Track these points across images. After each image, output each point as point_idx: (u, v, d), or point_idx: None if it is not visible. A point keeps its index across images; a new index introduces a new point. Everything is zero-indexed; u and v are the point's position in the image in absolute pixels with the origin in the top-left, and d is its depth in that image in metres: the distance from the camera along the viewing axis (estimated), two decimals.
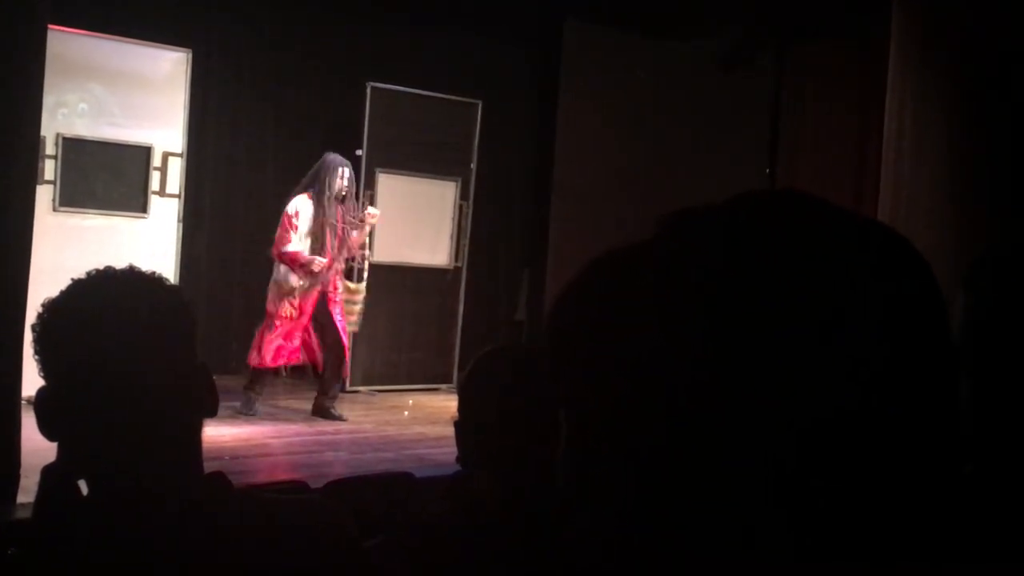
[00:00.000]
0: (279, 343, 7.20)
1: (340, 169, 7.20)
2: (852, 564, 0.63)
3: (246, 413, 7.16)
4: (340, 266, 7.41)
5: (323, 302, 7.28)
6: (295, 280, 7.13)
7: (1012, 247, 1.14)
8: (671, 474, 0.64)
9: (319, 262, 7.10)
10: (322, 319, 7.31)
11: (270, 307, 7.22)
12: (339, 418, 7.36)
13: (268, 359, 7.19)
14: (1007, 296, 1.09)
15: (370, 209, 7.71)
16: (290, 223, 7.08)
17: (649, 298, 0.66)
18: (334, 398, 7.47)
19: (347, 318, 7.65)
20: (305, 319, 7.25)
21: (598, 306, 0.68)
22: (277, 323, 7.18)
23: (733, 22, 8.73)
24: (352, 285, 7.82)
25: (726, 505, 0.63)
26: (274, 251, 7.15)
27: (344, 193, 7.24)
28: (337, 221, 7.23)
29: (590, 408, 0.68)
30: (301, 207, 7.12)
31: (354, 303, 7.81)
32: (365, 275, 8.13)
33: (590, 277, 0.70)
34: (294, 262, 7.08)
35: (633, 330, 0.66)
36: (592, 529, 0.69)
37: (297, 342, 7.28)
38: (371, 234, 7.88)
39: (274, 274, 7.24)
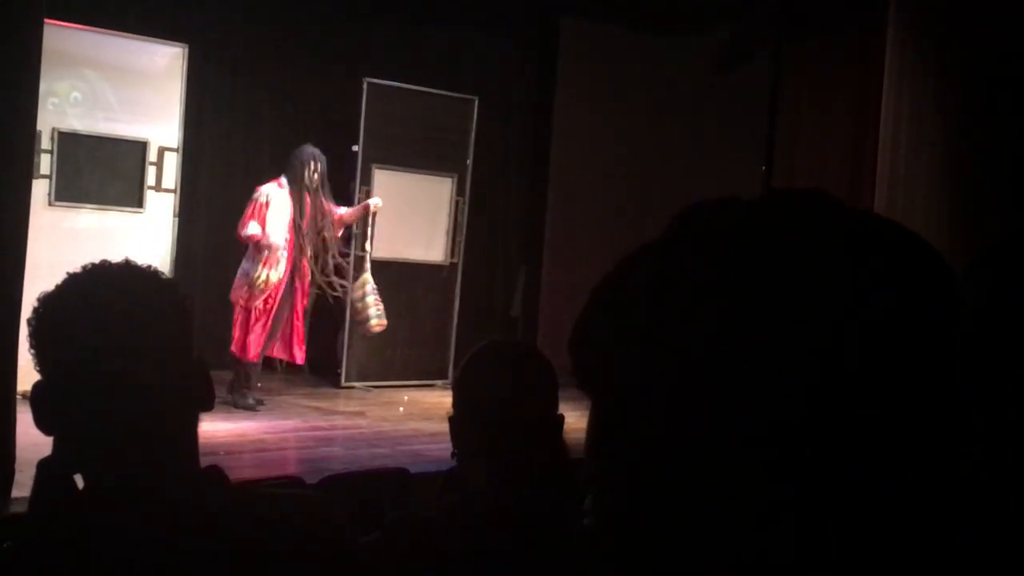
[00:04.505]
0: (261, 334, 7.22)
1: (314, 162, 7.33)
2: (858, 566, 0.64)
3: (243, 406, 7.13)
4: (318, 256, 7.50)
5: (290, 289, 7.32)
6: (264, 270, 7.15)
7: (1009, 242, 1.15)
8: (683, 469, 0.65)
9: (276, 246, 7.13)
10: (286, 305, 7.34)
11: (234, 296, 7.23)
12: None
13: (252, 352, 7.20)
14: (1005, 290, 1.09)
15: (373, 200, 7.85)
16: (255, 209, 7.13)
17: (668, 295, 0.66)
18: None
19: (363, 315, 7.71)
20: (284, 311, 7.27)
21: (624, 299, 0.69)
22: (253, 314, 7.19)
23: (730, 20, 8.73)
24: (348, 283, 7.83)
25: (733, 500, 0.64)
26: (239, 234, 7.22)
27: (316, 185, 7.36)
28: (307, 211, 7.32)
29: (611, 404, 0.69)
30: (272, 194, 7.20)
31: (363, 300, 7.81)
32: (366, 265, 8.08)
33: (618, 273, 0.71)
34: (251, 241, 7.13)
35: (652, 324, 0.66)
36: (603, 520, 0.69)
37: (277, 334, 7.32)
38: (372, 226, 7.97)
39: (243, 263, 7.28)
